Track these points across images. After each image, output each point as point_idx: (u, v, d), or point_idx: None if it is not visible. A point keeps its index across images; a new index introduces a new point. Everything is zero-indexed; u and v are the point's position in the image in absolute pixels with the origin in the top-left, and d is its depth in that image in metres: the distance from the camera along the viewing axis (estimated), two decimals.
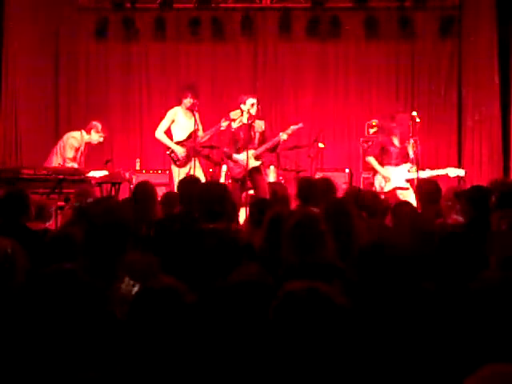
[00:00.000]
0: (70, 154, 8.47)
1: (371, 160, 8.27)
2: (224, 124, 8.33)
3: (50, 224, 5.67)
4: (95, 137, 8.65)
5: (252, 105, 8.16)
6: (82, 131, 8.66)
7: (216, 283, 2.72)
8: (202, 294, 2.51)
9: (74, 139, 8.55)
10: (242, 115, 8.24)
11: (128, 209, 3.01)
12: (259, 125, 8.28)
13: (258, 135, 8.22)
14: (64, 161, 8.43)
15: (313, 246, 3.33)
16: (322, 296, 1.79)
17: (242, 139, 8.18)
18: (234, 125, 8.30)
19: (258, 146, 8.21)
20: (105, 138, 8.84)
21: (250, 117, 8.17)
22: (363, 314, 2.35)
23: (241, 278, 2.49)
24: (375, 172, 8.31)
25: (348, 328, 1.79)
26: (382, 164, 8.18)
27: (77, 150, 8.56)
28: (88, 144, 8.69)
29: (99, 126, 8.68)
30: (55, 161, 8.46)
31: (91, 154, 8.86)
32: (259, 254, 3.75)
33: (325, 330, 1.76)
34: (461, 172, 8.30)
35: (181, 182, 5.66)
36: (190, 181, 5.75)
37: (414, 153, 8.09)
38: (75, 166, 8.42)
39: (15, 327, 2.36)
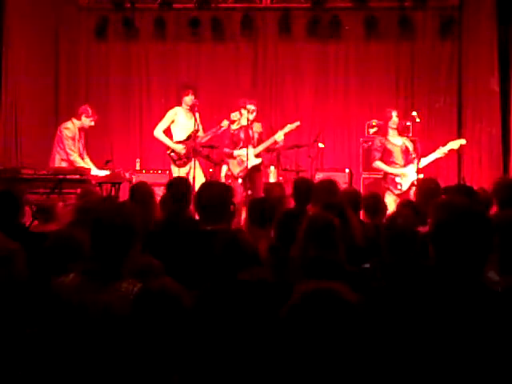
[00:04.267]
0: (69, 145, 8.39)
1: (379, 164, 8.32)
2: (225, 124, 8.52)
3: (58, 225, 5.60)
4: (86, 121, 8.53)
5: (252, 111, 8.50)
6: (73, 119, 8.57)
7: (226, 282, 2.73)
8: (210, 292, 2.51)
9: (67, 129, 8.46)
10: (241, 117, 8.47)
11: (137, 209, 3.01)
12: (257, 126, 8.67)
13: (256, 136, 8.52)
14: (67, 154, 8.38)
15: (330, 245, 3.37)
16: (339, 297, 1.78)
17: (242, 140, 8.45)
18: (234, 126, 8.58)
19: (256, 146, 8.46)
20: (105, 138, 8.81)
21: (249, 120, 8.48)
22: (378, 315, 2.32)
23: (252, 276, 2.50)
24: (386, 175, 8.32)
25: (364, 329, 1.78)
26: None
27: (73, 139, 8.47)
28: (82, 130, 8.57)
29: (89, 110, 8.58)
30: (58, 157, 8.41)
31: (91, 154, 8.85)
32: (269, 252, 3.75)
33: (341, 331, 1.75)
34: (462, 141, 8.44)
35: (171, 183, 5.44)
36: (180, 181, 5.64)
37: (414, 149, 8.16)
38: (77, 158, 8.36)
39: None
